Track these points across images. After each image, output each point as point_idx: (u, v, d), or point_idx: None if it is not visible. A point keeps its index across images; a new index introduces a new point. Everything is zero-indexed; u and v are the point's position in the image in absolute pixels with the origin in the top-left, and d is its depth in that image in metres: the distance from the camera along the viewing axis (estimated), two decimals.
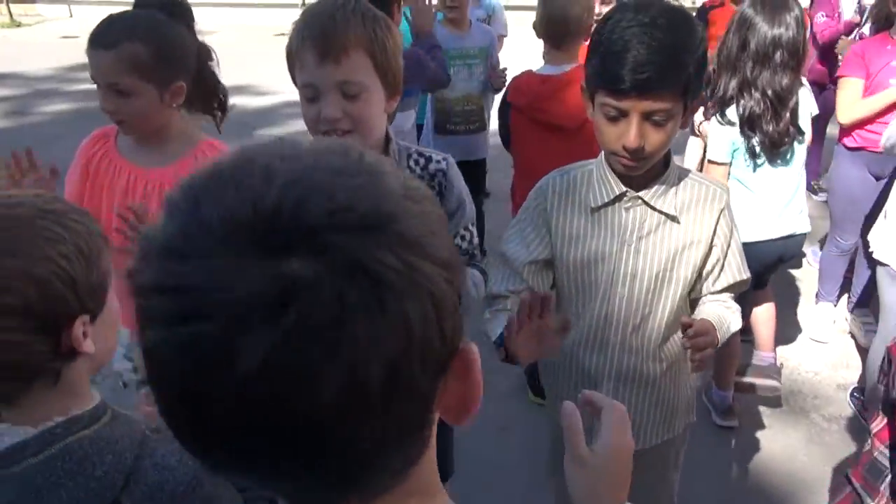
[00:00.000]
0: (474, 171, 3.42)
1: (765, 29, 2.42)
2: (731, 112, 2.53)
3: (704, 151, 2.85)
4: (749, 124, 2.49)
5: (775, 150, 2.51)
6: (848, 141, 3.24)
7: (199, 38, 2.07)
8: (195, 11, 2.23)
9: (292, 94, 1.50)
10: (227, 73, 2.17)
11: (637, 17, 1.30)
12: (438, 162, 1.53)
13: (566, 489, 0.88)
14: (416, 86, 2.94)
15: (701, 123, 2.86)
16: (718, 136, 2.58)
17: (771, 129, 2.47)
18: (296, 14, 1.48)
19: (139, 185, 1.84)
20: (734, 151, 2.58)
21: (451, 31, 3.44)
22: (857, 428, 2.82)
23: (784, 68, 2.43)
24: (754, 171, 2.57)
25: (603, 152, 1.53)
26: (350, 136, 1.38)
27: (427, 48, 2.89)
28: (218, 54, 2.17)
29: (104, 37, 1.70)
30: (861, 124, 3.13)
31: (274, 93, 7.91)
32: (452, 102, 3.46)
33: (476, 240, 1.63)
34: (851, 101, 3.10)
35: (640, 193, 1.50)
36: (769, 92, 2.44)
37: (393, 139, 1.53)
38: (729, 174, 2.60)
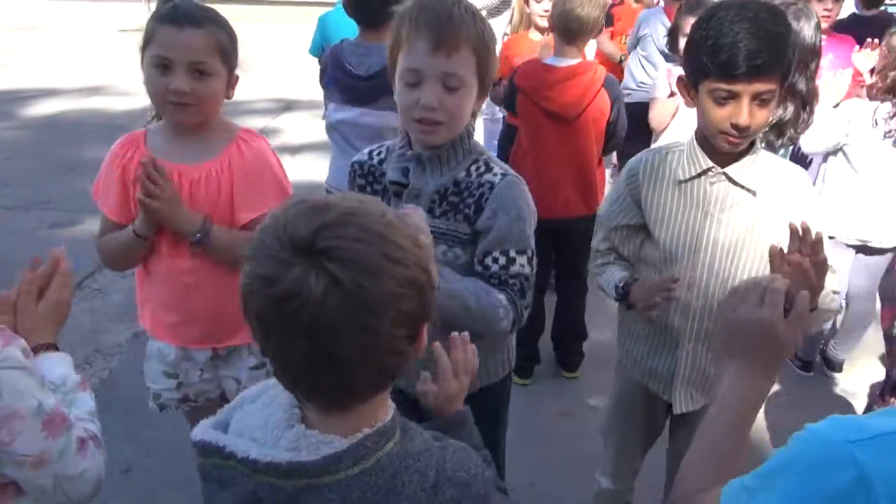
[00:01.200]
0: None
1: None
2: None
3: None
4: None
5: None
6: None
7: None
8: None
9: None
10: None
11: (742, 13, 1.50)
12: (495, 175, 1.52)
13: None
14: None
15: None
16: None
17: None
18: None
19: (185, 181, 1.77)
20: None
21: None
22: None
23: None
24: None
25: (694, 133, 1.68)
26: (440, 127, 1.46)
27: None
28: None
29: (190, 15, 1.67)
30: None
31: (136, 93, 7.37)
32: None
33: (517, 268, 1.51)
34: None
35: (725, 169, 1.65)
36: None
37: (472, 137, 1.58)
38: None
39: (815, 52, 2.49)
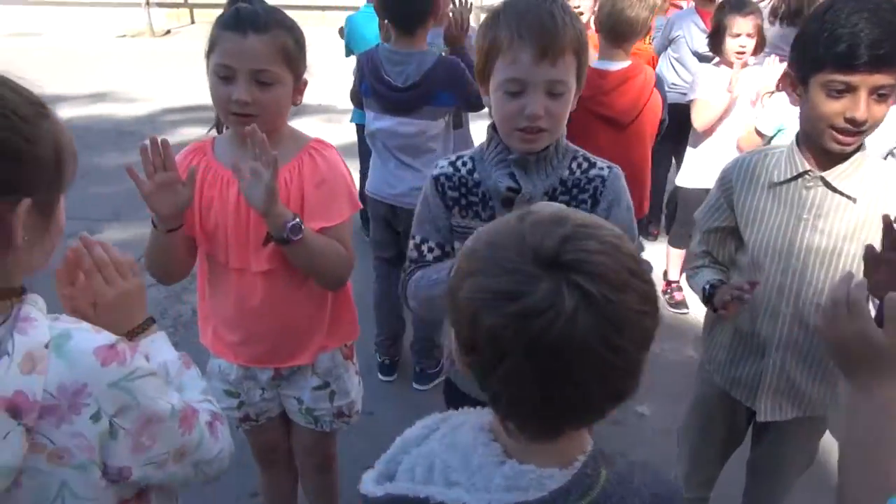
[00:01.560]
0: None
1: None
2: None
3: None
4: None
5: None
6: None
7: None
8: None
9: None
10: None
11: (861, 4, 1.44)
12: (601, 168, 1.55)
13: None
14: (453, 95, 2.78)
15: None
16: None
17: None
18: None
19: None
20: None
21: None
22: None
23: None
24: None
25: (796, 135, 1.63)
26: (543, 134, 1.44)
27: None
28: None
29: (253, 20, 1.59)
30: None
31: (145, 99, 7.31)
32: None
33: None
34: None
35: (824, 173, 1.60)
36: None
37: (563, 138, 1.54)
38: None
39: None
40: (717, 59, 3.33)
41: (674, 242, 3.77)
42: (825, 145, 1.57)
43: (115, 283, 1.16)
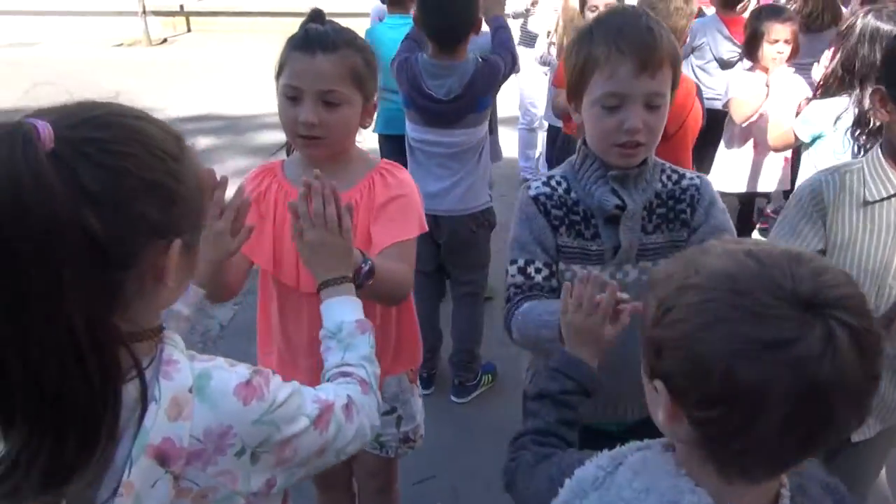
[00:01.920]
0: None
1: None
2: None
3: None
4: None
5: None
6: None
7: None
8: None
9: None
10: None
11: None
12: (691, 178, 1.57)
13: None
14: (493, 94, 2.89)
15: None
16: None
17: None
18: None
19: None
20: None
21: None
22: None
23: None
24: None
25: (881, 148, 1.61)
26: (641, 147, 1.43)
27: (495, 28, 2.94)
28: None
29: (322, 40, 1.55)
30: None
31: (145, 108, 7.19)
32: None
33: None
34: None
35: None
36: None
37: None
38: None
39: None
40: (750, 66, 3.32)
41: None
42: None
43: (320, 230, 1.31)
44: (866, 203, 1.61)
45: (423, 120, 2.80)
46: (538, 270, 1.50)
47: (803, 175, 2.64)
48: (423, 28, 2.76)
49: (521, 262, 1.51)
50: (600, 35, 1.39)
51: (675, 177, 1.56)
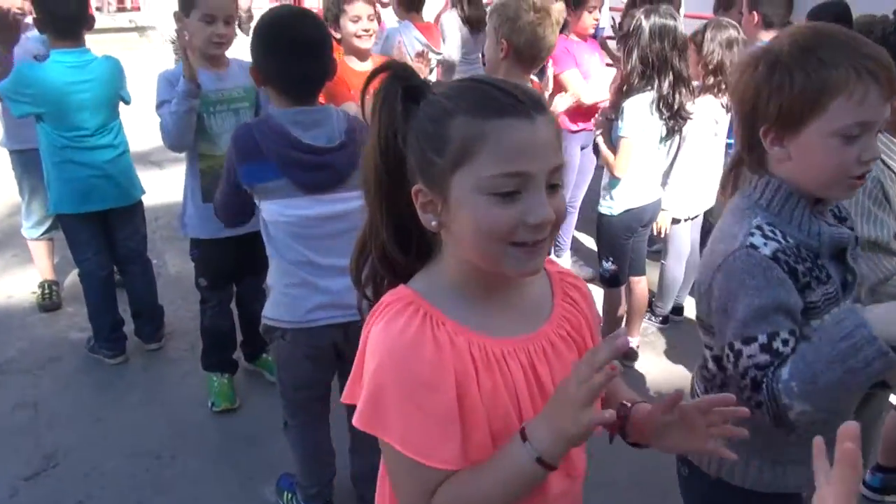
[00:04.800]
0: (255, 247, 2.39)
1: None
2: None
3: None
4: None
5: None
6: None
7: None
8: None
9: None
10: None
11: None
12: None
13: None
14: None
15: None
16: None
17: None
18: None
19: None
20: None
21: (209, 69, 2.78)
22: None
23: None
24: None
25: None
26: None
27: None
28: None
29: (530, 94, 1.01)
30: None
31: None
32: (222, 159, 2.35)
33: None
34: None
35: None
36: None
37: None
38: None
39: None
40: None
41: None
42: None
43: None
44: None
45: (306, 184, 2.02)
46: (785, 342, 1.24)
47: None
48: (275, 80, 2.06)
49: (762, 339, 1.24)
50: (835, 55, 1.22)
51: None
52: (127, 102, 3.40)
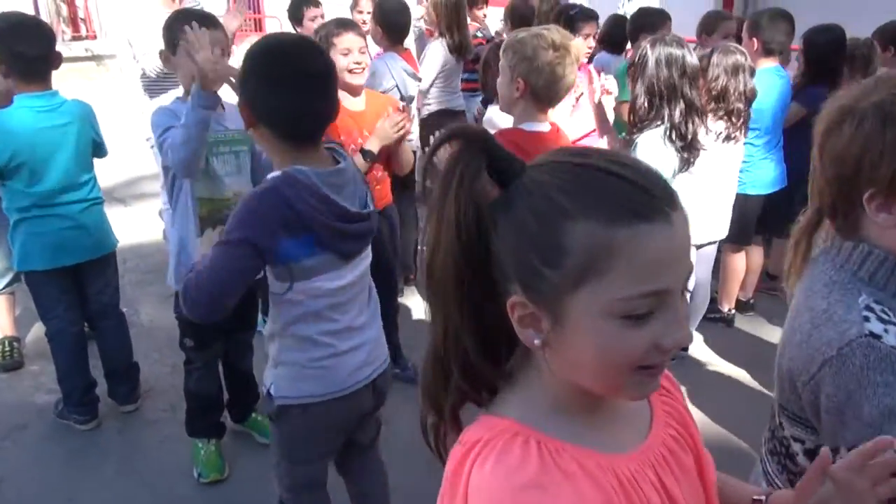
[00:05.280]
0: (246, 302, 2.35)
1: None
2: None
3: None
4: None
5: None
6: None
7: None
8: None
9: None
10: None
11: None
12: None
13: None
14: None
15: None
16: None
17: None
18: None
19: None
20: None
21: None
22: None
23: None
24: None
25: None
26: None
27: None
28: None
29: (664, 187, 0.81)
30: None
31: None
32: (223, 204, 2.49)
33: None
34: None
35: None
36: None
37: None
38: None
39: None
40: None
41: None
42: None
43: None
44: None
45: (348, 254, 1.79)
46: None
47: None
48: (274, 120, 1.71)
49: None
50: None
51: None
52: (102, 153, 3.13)
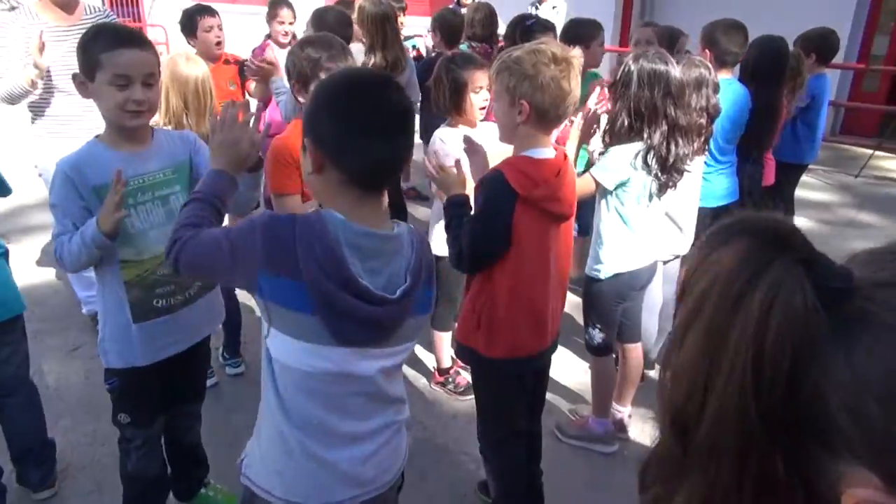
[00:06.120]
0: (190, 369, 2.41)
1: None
2: None
3: None
4: None
5: None
6: None
7: None
8: None
9: None
10: None
11: None
12: None
13: None
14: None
15: None
16: None
17: None
18: None
19: None
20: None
21: (124, 148, 2.05)
22: None
23: None
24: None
25: None
26: None
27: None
28: None
29: None
30: None
31: None
32: (154, 263, 2.10)
33: None
34: None
35: None
36: None
37: None
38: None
39: None
40: None
41: (438, 325, 3.43)
42: None
43: None
44: None
45: (344, 337, 1.43)
46: None
47: (607, 220, 2.76)
48: (344, 163, 1.43)
49: None
50: None
51: None
52: (6, 191, 2.66)
